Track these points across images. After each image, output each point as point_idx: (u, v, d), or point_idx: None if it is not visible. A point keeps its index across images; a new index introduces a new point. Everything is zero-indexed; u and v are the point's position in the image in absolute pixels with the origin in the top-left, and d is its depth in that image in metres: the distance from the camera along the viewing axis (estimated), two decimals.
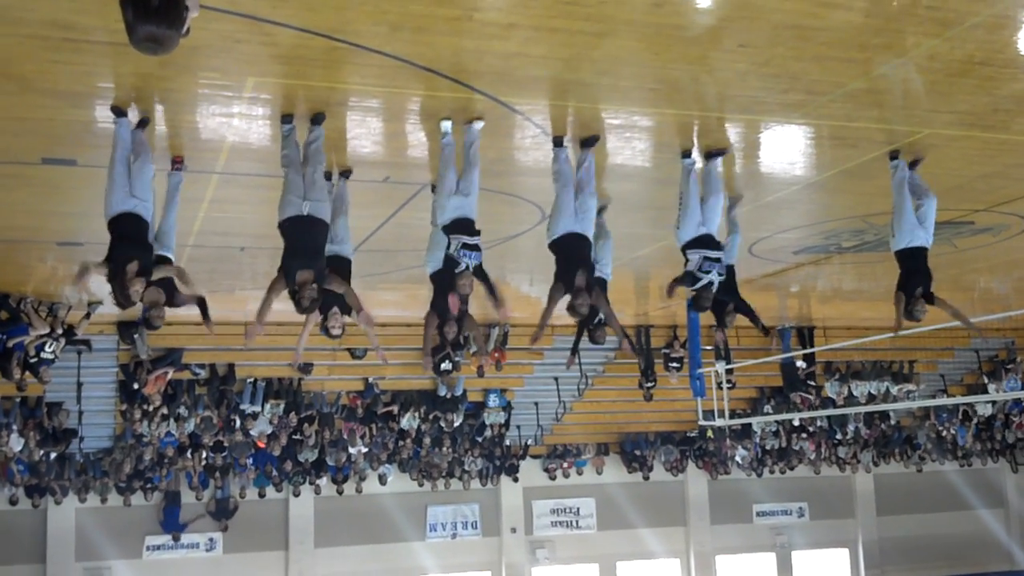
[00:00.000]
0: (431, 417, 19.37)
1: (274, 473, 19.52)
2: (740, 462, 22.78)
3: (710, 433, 21.87)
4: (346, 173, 9.01)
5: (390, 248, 11.97)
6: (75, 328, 14.90)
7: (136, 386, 16.92)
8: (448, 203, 7.93)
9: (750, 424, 21.39)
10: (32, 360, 14.28)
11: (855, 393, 20.96)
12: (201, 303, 8.61)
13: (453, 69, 6.87)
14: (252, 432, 18.39)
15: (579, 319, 8.62)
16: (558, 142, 8.24)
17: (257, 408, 18.19)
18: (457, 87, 7.12)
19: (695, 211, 8.54)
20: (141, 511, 19.41)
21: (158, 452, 18.12)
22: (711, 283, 8.54)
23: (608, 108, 7.80)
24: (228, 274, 13.35)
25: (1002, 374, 21.87)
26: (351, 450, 19.32)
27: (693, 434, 22.33)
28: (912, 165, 8.91)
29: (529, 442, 21.32)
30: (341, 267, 8.33)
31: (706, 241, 8.52)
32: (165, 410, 17.53)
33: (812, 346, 19.59)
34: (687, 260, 8.58)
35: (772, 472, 23.35)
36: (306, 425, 18.74)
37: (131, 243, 7.08)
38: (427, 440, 19.81)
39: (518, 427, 20.93)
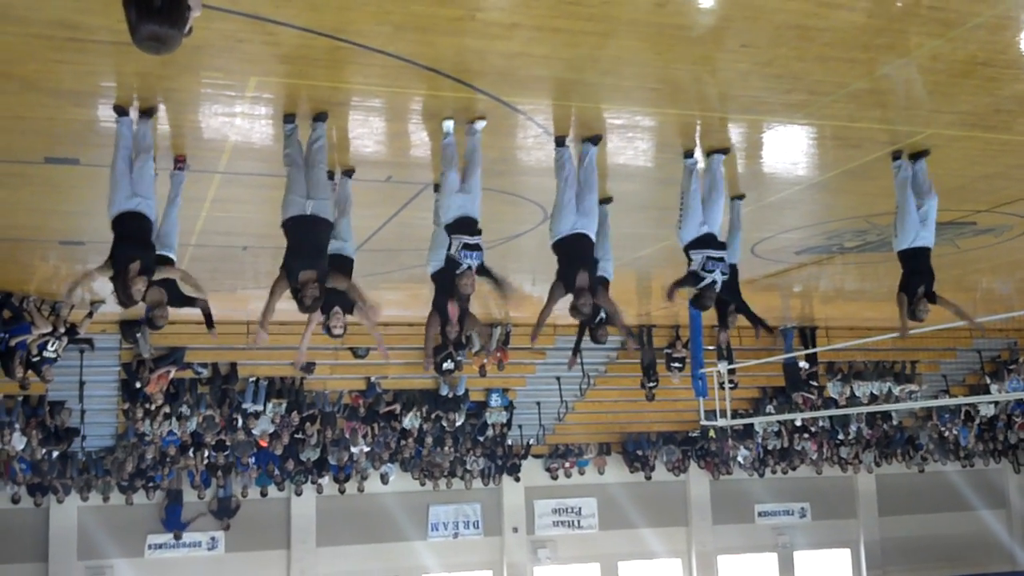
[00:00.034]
0: (433, 416, 19.38)
1: (276, 472, 19.52)
2: (742, 462, 22.77)
3: (712, 433, 21.87)
4: (349, 172, 9.02)
5: (392, 247, 11.98)
6: (77, 327, 14.91)
7: (138, 385, 16.94)
8: (451, 202, 7.93)
9: (752, 424, 21.38)
10: (35, 359, 14.28)
11: (857, 393, 20.95)
12: (204, 308, 8.62)
13: (455, 69, 6.87)
14: (254, 431, 18.40)
15: (581, 319, 8.61)
16: (560, 142, 8.24)
17: (259, 407, 18.21)
18: (459, 87, 7.12)
19: (696, 211, 8.53)
20: (143, 510, 19.42)
21: (160, 451, 18.13)
22: (714, 282, 8.53)
23: (610, 108, 7.80)
24: (230, 273, 13.35)
25: (1004, 374, 21.86)
26: (353, 449, 19.32)
27: (695, 434, 22.33)
28: (917, 157, 8.84)
29: (531, 442, 21.32)
30: (343, 266, 8.34)
31: (708, 241, 8.51)
32: (167, 409, 17.55)
33: (814, 346, 19.58)
34: (690, 260, 8.58)
35: (774, 472, 23.33)
36: (308, 424, 18.75)
37: (133, 242, 7.09)
38: (429, 439, 19.82)
39: (520, 427, 20.93)
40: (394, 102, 7.60)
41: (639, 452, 22.36)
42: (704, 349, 16.28)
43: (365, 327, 8.48)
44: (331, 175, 8.51)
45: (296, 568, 20.64)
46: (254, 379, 18.23)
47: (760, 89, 7.33)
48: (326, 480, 20.08)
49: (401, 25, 6.14)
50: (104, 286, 8.06)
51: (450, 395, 19.29)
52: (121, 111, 7.27)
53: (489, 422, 20.28)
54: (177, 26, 4.29)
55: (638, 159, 9.06)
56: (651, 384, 19.61)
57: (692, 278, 8.54)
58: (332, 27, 6.15)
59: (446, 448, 20.09)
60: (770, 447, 22.61)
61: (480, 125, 7.81)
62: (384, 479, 20.39)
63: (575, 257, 8.12)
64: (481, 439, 20.53)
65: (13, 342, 13.80)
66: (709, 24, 6.33)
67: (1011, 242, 12.79)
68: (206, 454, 18.62)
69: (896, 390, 21.07)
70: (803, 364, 20.31)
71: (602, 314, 9.56)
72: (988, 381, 22.02)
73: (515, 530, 22.20)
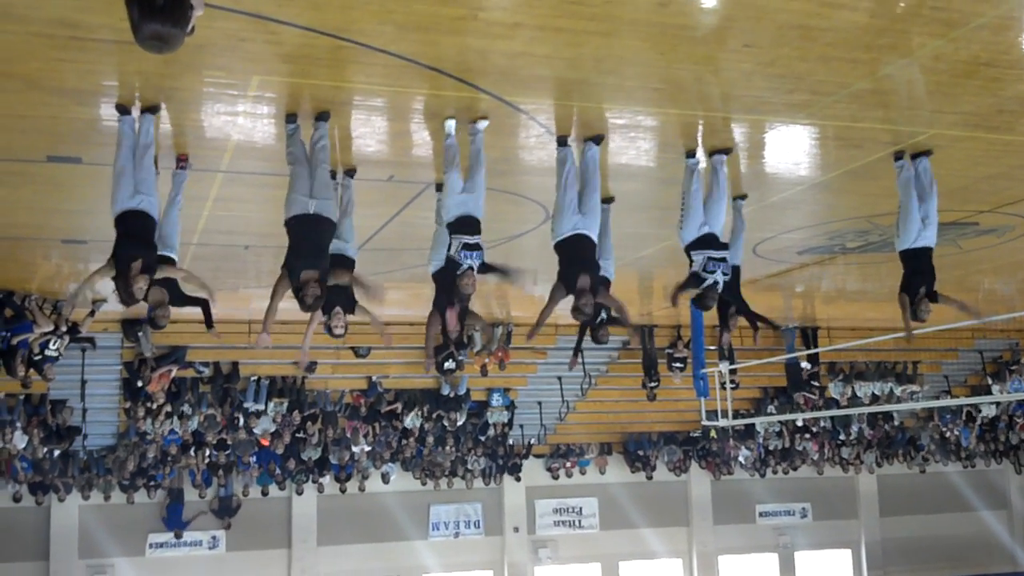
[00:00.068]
0: (434, 416, 19.38)
1: (277, 471, 19.53)
2: (743, 462, 22.77)
3: (713, 433, 21.87)
4: (351, 172, 9.02)
5: (394, 247, 11.98)
6: (79, 326, 14.92)
7: (140, 384, 16.94)
8: (453, 202, 7.92)
9: (753, 424, 21.38)
10: (36, 357, 14.29)
11: (859, 394, 20.95)
12: (205, 307, 8.63)
13: (458, 68, 6.87)
14: (255, 430, 18.41)
15: (583, 320, 8.59)
16: (562, 141, 8.23)
17: (261, 406, 18.22)
18: (462, 86, 7.12)
19: (698, 211, 8.51)
20: (144, 509, 19.44)
21: (161, 450, 18.14)
22: (716, 283, 8.52)
23: (612, 108, 7.80)
24: (232, 272, 13.36)
25: (1006, 375, 21.85)
26: (354, 448, 19.33)
27: (696, 434, 22.34)
28: (920, 157, 8.82)
29: (532, 441, 21.33)
30: (345, 266, 8.34)
31: (709, 241, 8.49)
32: (169, 408, 17.56)
33: (816, 346, 19.58)
34: (691, 261, 8.57)
35: (775, 472, 23.33)
36: (309, 423, 18.76)
37: (135, 241, 7.10)
38: (430, 439, 19.83)
39: (521, 426, 20.94)
40: (396, 101, 7.60)
41: (640, 452, 22.36)
42: (706, 349, 16.27)
43: (366, 309, 8.44)
44: (333, 175, 8.52)
45: (297, 567, 20.66)
46: (255, 378, 18.24)
47: (762, 89, 7.32)
48: (327, 479, 20.09)
49: (403, 24, 6.14)
50: (106, 285, 8.05)
51: (451, 394, 19.30)
52: (123, 110, 7.27)
53: (490, 422, 20.29)
54: (179, 25, 4.29)
55: (640, 159, 9.05)
56: (652, 384, 19.60)
57: (694, 280, 8.52)
58: (334, 26, 6.15)
59: (447, 448, 20.09)
60: (771, 447, 22.61)
61: (482, 125, 7.80)
62: (385, 478, 20.40)
63: (576, 259, 8.10)
64: (482, 439, 20.54)
65: (15, 340, 13.81)
66: (712, 24, 6.33)
67: (1013, 242, 12.78)
68: (207, 453, 18.64)
69: (898, 390, 21.07)
70: (805, 365, 20.30)
71: (603, 315, 9.57)
72: (990, 382, 22.01)
73: (516, 530, 22.21)
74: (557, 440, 21.89)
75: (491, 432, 20.49)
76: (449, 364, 16.89)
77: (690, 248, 8.55)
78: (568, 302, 8.14)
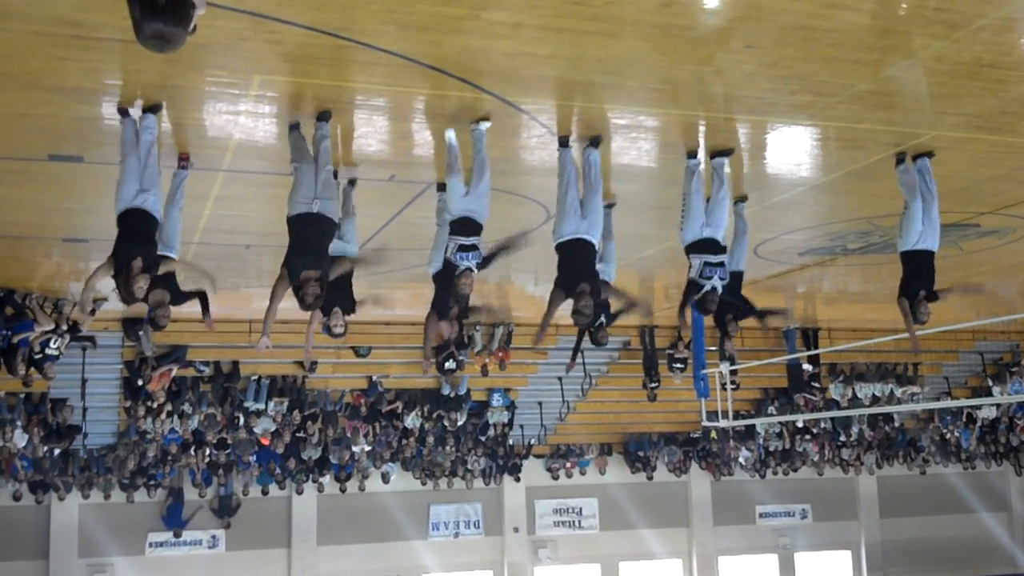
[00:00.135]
0: (435, 416, 19.38)
1: (277, 471, 19.52)
2: (743, 463, 22.76)
3: (713, 434, 21.86)
4: (352, 182, 9.04)
5: (395, 247, 11.96)
6: (80, 324, 14.91)
7: (140, 383, 16.95)
8: (456, 206, 7.95)
9: (753, 425, 21.37)
10: (37, 356, 14.30)
11: (859, 395, 20.94)
12: (203, 298, 8.64)
13: (459, 68, 6.86)
14: (256, 429, 18.40)
15: (583, 323, 8.58)
16: (563, 142, 8.23)
17: (261, 406, 18.21)
18: (463, 86, 7.12)
19: (698, 212, 8.50)
20: (144, 508, 19.44)
21: (162, 449, 18.13)
22: (714, 288, 8.52)
23: (614, 108, 7.79)
24: (233, 272, 13.35)
25: (1007, 377, 21.84)
26: (354, 448, 19.32)
27: (696, 435, 22.33)
28: (921, 158, 8.81)
29: (532, 442, 21.32)
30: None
31: (707, 245, 8.46)
32: (169, 407, 17.56)
33: (817, 348, 19.57)
34: (690, 265, 8.56)
35: (775, 474, 23.33)
36: (310, 423, 18.75)
37: (136, 239, 7.12)
38: (430, 439, 19.83)
39: (521, 426, 20.93)
40: (398, 101, 7.60)
41: (640, 453, 22.36)
42: (706, 350, 16.26)
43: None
44: (335, 175, 8.52)
45: (297, 567, 20.65)
46: (256, 377, 18.23)
47: (765, 90, 7.32)
48: (327, 479, 20.09)
49: (405, 24, 6.14)
50: (106, 284, 8.05)
51: (452, 394, 19.30)
52: (124, 112, 7.27)
53: (491, 422, 20.29)
54: (181, 24, 4.29)
55: (641, 159, 9.05)
56: (653, 384, 19.60)
57: (692, 288, 8.53)
58: (336, 26, 6.15)
59: (447, 447, 20.09)
60: (771, 448, 22.60)
61: (484, 126, 7.80)
62: (385, 478, 20.40)
63: (576, 265, 8.09)
64: (482, 439, 20.53)
65: (15, 339, 13.82)
66: (714, 24, 6.32)
67: (1014, 244, 12.77)
68: (207, 452, 18.63)
69: (898, 392, 21.07)
70: (807, 366, 20.30)
71: (602, 318, 9.58)
72: (990, 383, 22.00)
73: (516, 530, 22.21)
74: (557, 440, 21.89)
75: (491, 432, 20.48)
76: (450, 364, 16.91)
77: (689, 250, 8.56)
78: (569, 304, 8.15)
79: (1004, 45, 6.64)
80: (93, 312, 14.87)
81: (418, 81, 7.07)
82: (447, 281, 8.09)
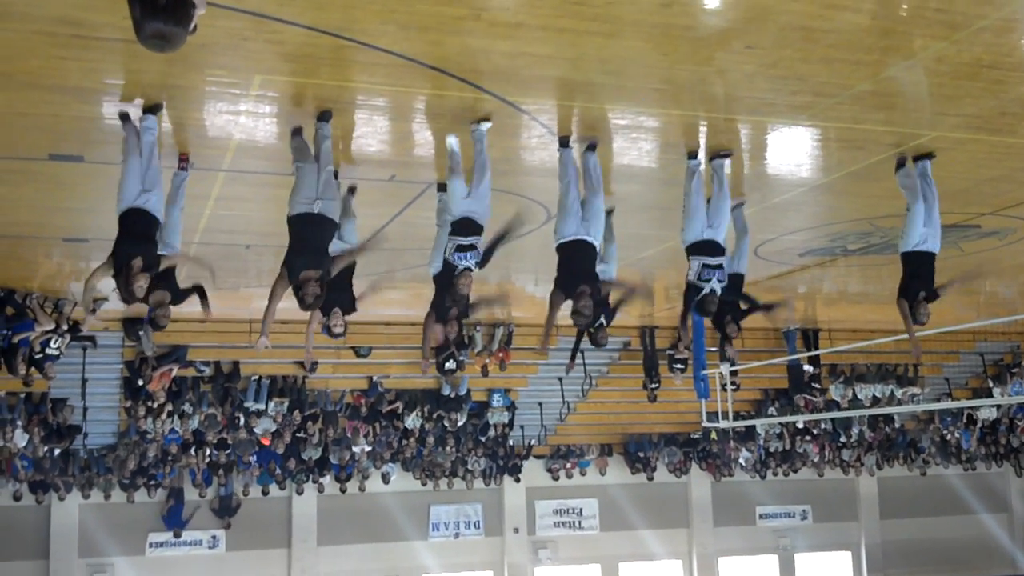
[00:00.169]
0: (435, 416, 19.39)
1: (277, 471, 19.52)
2: (743, 464, 22.75)
3: (714, 435, 21.86)
4: (352, 190, 9.05)
5: (395, 247, 11.96)
6: (80, 324, 14.92)
7: (140, 383, 16.95)
8: (457, 207, 7.95)
9: (754, 426, 21.37)
10: (37, 356, 14.31)
11: (859, 396, 20.94)
12: (202, 292, 8.65)
13: (460, 68, 6.86)
14: (256, 430, 18.41)
15: (582, 324, 8.58)
16: (564, 142, 8.23)
17: (261, 406, 18.22)
18: (464, 86, 7.12)
19: (700, 213, 8.50)
20: (144, 508, 19.44)
21: (162, 449, 18.13)
22: (713, 291, 8.52)
23: (615, 108, 7.79)
24: (233, 272, 13.35)
25: (1007, 378, 21.83)
26: (354, 448, 19.33)
27: (697, 436, 22.32)
28: (920, 159, 8.81)
29: (532, 442, 21.32)
30: (346, 268, 8.34)
31: (708, 247, 8.46)
32: (169, 407, 17.57)
33: (817, 348, 19.56)
34: (689, 267, 8.56)
35: (775, 474, 23.32)
36: (310, 423, 18.76)
37: (136, 239, 7.13)
38: (430, 439, 19.83)
39: (522, 427, 20.93)
40: (398, 101, 7.60)
41: (640, 453, 22.36)
42: (706, 350, 16.27)
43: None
44: (335, 175, 8.53)
45: (297, 567, 20.65)
46: (256, 377, 18.24)
47: (765, 90, 7.32)
48: (327, 479, 20.09)
49: (406, 24, 6.14)
50: (107, 283, 8.06)
51: (452, 395, 19.30)
52: (126, 114, 7.28)
53: (491, 422, 20.29)
54: (182, 24, 4.29)
55: (642, 160, 9.05)
56: (653, 385, 19.60)
57: (692, 291, 8.53)
58: (337, 26, 6.15)
59: (448, 448, 20.09)
60: (772, 449, 22.59)
61: (485, 126, 7.80)
62: (385, 479, 20.40)
63: (576, 266, 8.09)
64: (483, 439, 20.53)
65: (16, 339, 13.82)
66: (714, 25, 6.32)
67: (1015, 245, 12.76)
68: (208, 452, 18.63)
69: (898, 393, 21.07)
70: (807, 367, 20.30)
71: (601, 319, 9.58)
72: (991, 384, 21.99)
73: (516, 531, 22.21)
74: (557, 441, 21.89)
75: (491, 433, 20.48)
76: (450, 364, 16.91)
77: (689, 251, 8.56)
78: (569, 305, 8.15)
79: (1005, 46, 6.64)
80: (94, 312, 14.88)
81: (419, 81, 7.07)
82: (447, 282, 8.09)
